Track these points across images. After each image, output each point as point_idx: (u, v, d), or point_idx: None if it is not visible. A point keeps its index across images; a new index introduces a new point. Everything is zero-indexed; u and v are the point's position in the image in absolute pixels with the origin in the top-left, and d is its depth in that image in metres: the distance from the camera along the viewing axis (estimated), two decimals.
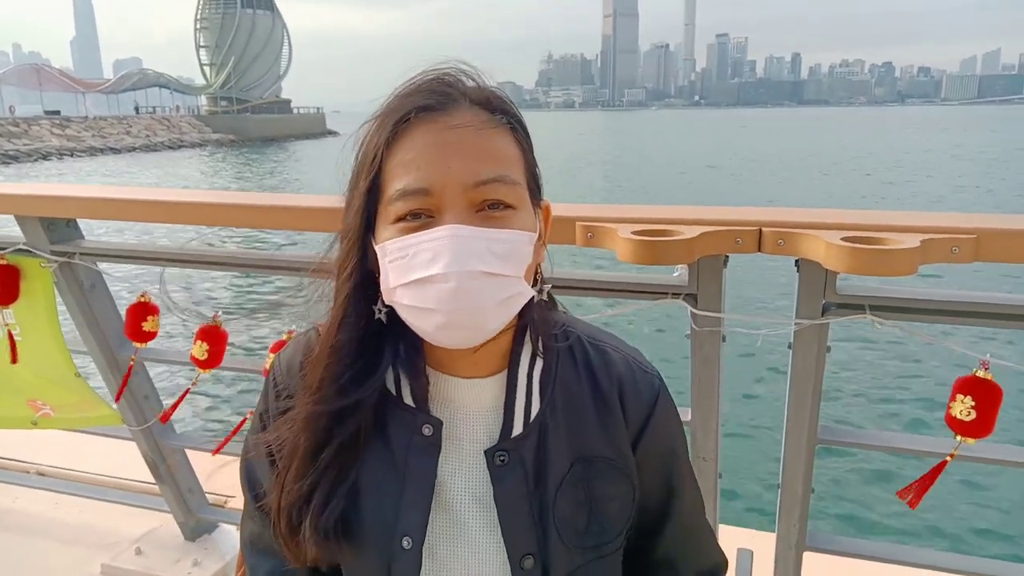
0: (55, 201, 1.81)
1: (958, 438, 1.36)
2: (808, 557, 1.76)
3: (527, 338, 0.92)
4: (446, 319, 0.78)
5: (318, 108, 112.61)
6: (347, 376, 0.86)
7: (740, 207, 1.44)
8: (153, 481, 2.47)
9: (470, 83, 0.85)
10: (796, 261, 1.42)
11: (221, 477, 2.87)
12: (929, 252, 1.14)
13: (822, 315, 1.40)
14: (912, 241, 1.13)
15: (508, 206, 0.80)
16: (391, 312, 0.86)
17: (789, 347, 1.52)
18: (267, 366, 1.84)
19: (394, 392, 0.90)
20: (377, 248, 0.83)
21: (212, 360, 1.87)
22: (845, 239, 1.18)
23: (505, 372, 0.91)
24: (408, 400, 0.90)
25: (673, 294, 1.52)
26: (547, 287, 0.92)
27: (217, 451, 2.09)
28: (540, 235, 0.87)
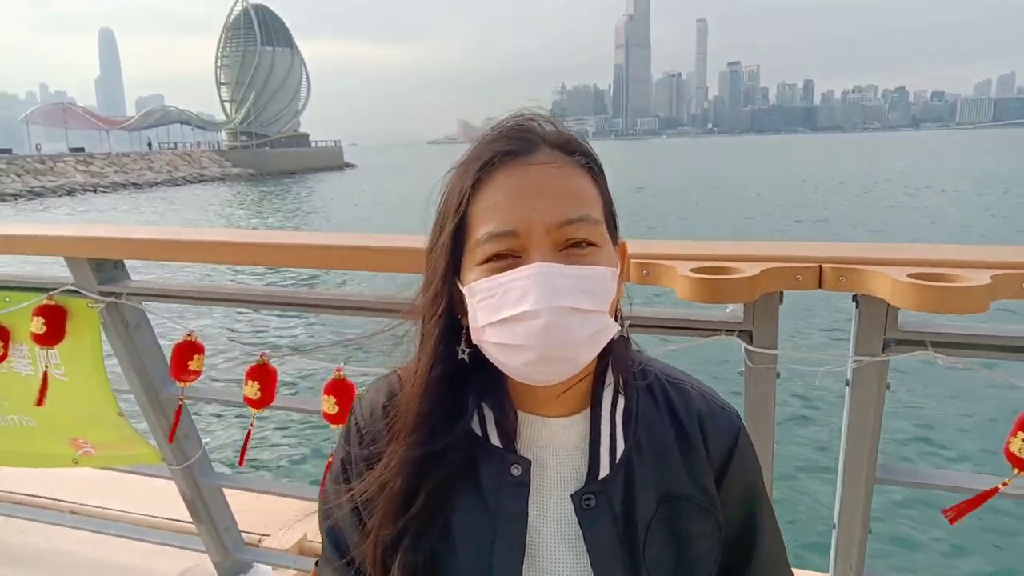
0: (106, 243, 1.83)
1: (1015, 471, 1.33)
2: None
3: (608, 376, 0.92)
4: (536, 355, 0.79)
5: (336, 141, 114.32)
6: (437, 418, 0.87)
7: (797, 242, 1.43)
8: (188, 520, 2.45)
9: (548, 127, 0.88)
10: (854, 297, 1.40)
11: (254, 515, 2.86)
12: (999, 288, 1.12)
13: (883, 351, 1.38)
14: (982, 278, 1.11)
15: (591, 244, 0.82)
16: (473, 353, 0.88)
17: (847, 384, 1.50)
18: (326, 409, 1.84)
19: (480, 434, 0.91)
20: (465, 289, 0.85)
21: (264, 399, 1.87)
22: (912, 275, 1.16)
23: (587, 411, 0.91)
24: (495, 441, 0.90)
25: (727, 331, 1.50)
26: (627, 323, 0.93)
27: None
28: (620, 271, 0.88)
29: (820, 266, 1.29)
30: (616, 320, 0.87)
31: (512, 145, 0.84)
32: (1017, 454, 1.27)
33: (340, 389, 1.86)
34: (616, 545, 0.88)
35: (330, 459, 1.14)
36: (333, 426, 1.92)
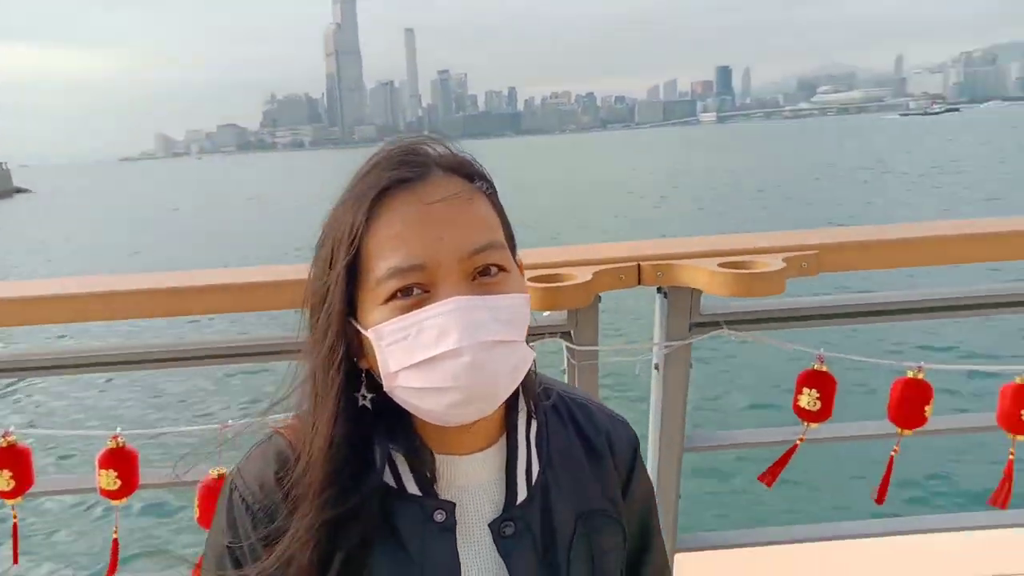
0: None
1: (805, 424, 1.56)
2: (680, 558, 1.89)
3: (520, 402, 0.90)
4: (462, 395, 0.75)
5: (2, 163, 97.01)
6: (346, 475, 0.78)
7: (604, 244, 1.52)
8: None
9: (440, 149, 0.83)
10: (659, 288, 1.54)
11: None
12: (790, 270, 1.31)
13: (689, 334, 1.53)
14: (778, 262, 1.28)
15: (501, 269, 0.79)
16: (375, 398, 0.81)
17: (655, 368, 1.63)
18: (103, 486, 1.54)
19: (393, 483, 0.83)
20: (369, 332, 0.78)
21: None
22: (722, 265, 1.30)
23: (501, 441, 0.88)
24: (412, 488, 0.84)
25: (550, 334, 1.55)
26: (535, 345, 0.91)
27: None
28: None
29: (638, 264, 1.39)
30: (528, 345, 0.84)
31: (406, 172, 0.78)
32: (806, 407, 1.49)
33: (120, 459, 1.59)
34: (536, 568, 0.86)
35: (198, 562, 0.95)
36: (115, 502, 1.63)
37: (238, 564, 0.83)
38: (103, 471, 1.53)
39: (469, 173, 0.83)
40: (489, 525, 0.85)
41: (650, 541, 1.02)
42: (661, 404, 1.64)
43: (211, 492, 1.47)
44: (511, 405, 0.89)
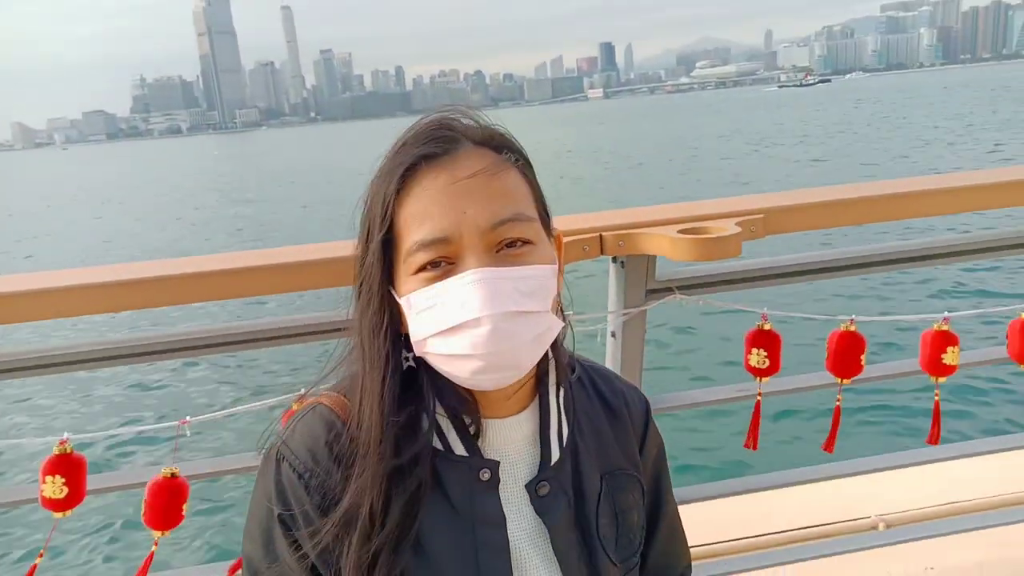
0: None
1: (758, 380, 1.66)
2: None
3: (550, 368, 0.94)
4: (484, 362, 0.79)
5: None
6: (399, 431, 0.84)
7: (563, 216, 1.55)
8: None
9: (469, 123, 0.86)
10: (614, 258, 1.58)
11: None
12: (745, 233, 1.38)
13: (645, 301, 1.59)
14: (733, 227, 1.35)
15: (526, 242, 0.82)
16: (419, 362, 0.86)
17: (613, 335, 1.68)
18: (49, 494, 1.43)
19: (440, 447, 0.87)
20: (402, 300, 0.83)
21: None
22: (682, 231, 1.35)
23: (533, 405, 0.93)
24: (460, 450, 0.87)
25: None
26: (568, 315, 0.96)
27: None
28: (559, 265, 0.90)
29: (600, 235, 1.42)
30: (558, 315, 0.88)
31: (434, 147, 0.82)
32: (756, 366, 1.58)
33: (68, 466, 1.49)
34: (571, 526, 0.91)
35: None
36: (57, 515, 1.53)
37: (290, 534, 0.85)
38: (48, 478, 1.43)
39: (499, 146, 0.86)
40: (525, 486, 0.90)
41: (663, 494, 1.09)
42: (620, 371, 1.69)
43: (162, 490, 1.40)
44: (542, 371, 0.93)
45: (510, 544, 0.88)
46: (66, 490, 1.43)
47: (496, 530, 0.87)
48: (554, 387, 0.94)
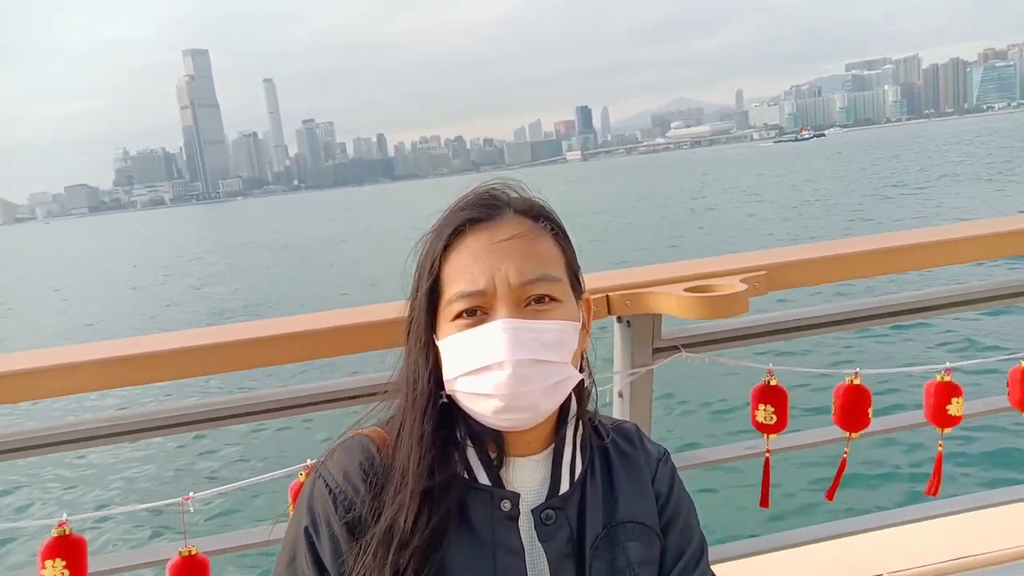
0: None
1: (765, 436, 1.65)
2: None
3: (570, 415, 1.01)
4: (504, 403, 0.88)
5: None
6: (434, 458, 0.92)
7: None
8: None
9: (513, 195, 0.98)
10: (619, 318, 1.59)
11: None
12: (750, 289, 1.39)
13: (652, 360, 1.59)
14: (738, 284, 1.37)
15: (553, 299, 0.92)
16: (451, 401, 0.96)
17: (620, 395, 1.68)
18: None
19: (466, 476, 0.96)
20: (439, 343, 0.95)
21: None
22: (688, 290, 1.37)
23: (551, 447, 1.00)
24: (484, 480, 0.96)
25: None
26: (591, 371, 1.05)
27: None
28: (584, 324, 0.99)
29: (607, 295, 1.43)
30: (580, 369, 0.96)
31: (479, 212, 0.95)
32: (763, 422, 1.58)
33: (68, 548, 1.44)
34: (570, 560, 0.96)
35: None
36: None
37: (312, 547, 0.92)
38: (48, 562, 1.38)
39: (537, 215, 0.97)
40: (532, 511, 0.96)
41: (698, 557, 1.08)
42: None
43: (182, 572, 1.36)
44: (562, 418, 1.00)
45: (528, 574, 0.94)
46: (67, 573, 1.38)
47: (515, 558, 0.93)
48: (572, 426, 1.01)
